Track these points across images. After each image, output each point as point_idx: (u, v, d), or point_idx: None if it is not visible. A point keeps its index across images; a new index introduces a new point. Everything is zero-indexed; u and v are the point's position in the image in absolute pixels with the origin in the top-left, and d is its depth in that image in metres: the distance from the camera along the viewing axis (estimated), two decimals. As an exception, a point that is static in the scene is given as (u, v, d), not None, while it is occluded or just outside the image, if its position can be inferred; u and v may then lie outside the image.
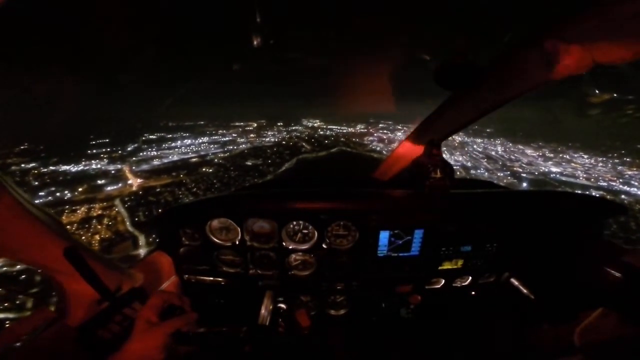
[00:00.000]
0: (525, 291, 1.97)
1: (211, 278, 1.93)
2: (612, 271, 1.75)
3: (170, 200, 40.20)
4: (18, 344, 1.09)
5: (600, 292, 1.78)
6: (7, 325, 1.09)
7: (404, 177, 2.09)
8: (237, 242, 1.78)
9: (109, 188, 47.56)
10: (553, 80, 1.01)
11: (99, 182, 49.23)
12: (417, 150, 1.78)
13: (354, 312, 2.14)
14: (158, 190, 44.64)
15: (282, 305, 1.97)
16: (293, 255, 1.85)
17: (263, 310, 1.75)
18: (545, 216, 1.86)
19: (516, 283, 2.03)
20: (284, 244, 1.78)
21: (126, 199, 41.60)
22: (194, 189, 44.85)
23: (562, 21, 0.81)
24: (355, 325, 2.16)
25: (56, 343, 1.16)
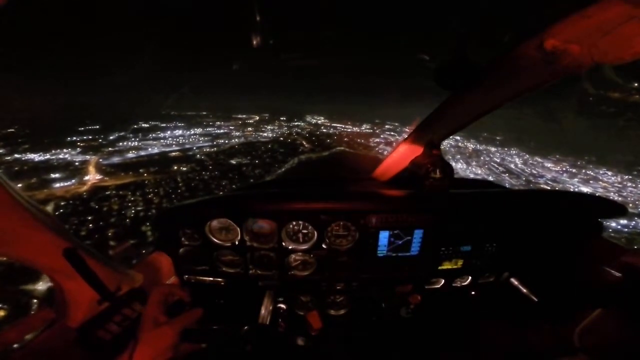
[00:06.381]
0: (525, 291, 1.97)
1: (211, 278, 1.93)
2: (612, 271, 1.75)
3: (114, 210, 33.60)
4: (18, 345, 1.08)
5: (600, 292, 1.78)
6: (7, 326, 1.09)
7: (404, 177, 2.09)
8: (237, 242, 1.78)
9: (57, 185, 41.38)
10: (553, 80, 1.01)
11: (53, 176, 43.28)
12: (416, 150, 1.78)
13: (354, 312, 2.14)
14: (108, 193, 37.78)
15: (282, 306, 1.97)
16: (293, 256, 1.85)
17: (263, 311, 1.76)
18: (545, 216, 1.86)
19: (516, 283, 2.03)
20: (283, 244, 1.78)
21: (63, 203, 34.40)
22: (150, 195, 38.38)
23: (562, 21, 0.80)
24: (355, 325, 2.16)
25: (56, 344, 1.16)
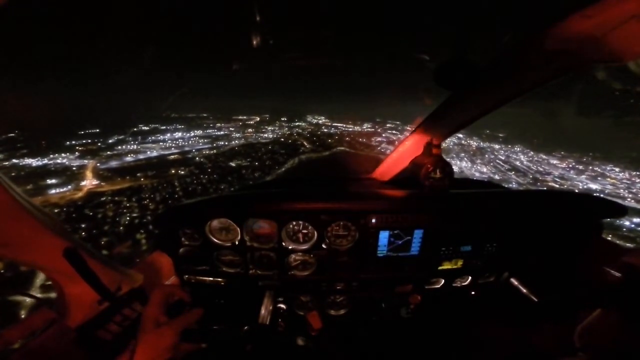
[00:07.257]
0: (525, 291, 1.97)
1: (211, 278, 1.93)
2: (612, 271, 1.75)
3: (108, 216, 32.85)
4: (18, 345, 1.08)
5: (600, 292, 1.78)
6: (7, 326, 1.09)
7: (404, 177, 2.09)
8: (237, 243, 1.78)
9: (52, 191, 40.08)
10: (553, 79, 1.01)
11: (49, 181, 42.12)
12: (416, 150, 1.78)
13: (354, 312, 2.14)
14: (104, 199, 36.41)
15: (282, 306, 1.97)
16: (293, 256, 1.84)
17: (263, 311, 1.75)
18: (545, 216, 1.85)
19: (516, 283, 2.03)
20: (283, 244, 1.78)
21: (57, 210, 32.92)
22: (146, 201, 37.26)
23: (562, 21, 0.80)
24: (355, 325, 2.16)
25: (56, 344, 1.16)
